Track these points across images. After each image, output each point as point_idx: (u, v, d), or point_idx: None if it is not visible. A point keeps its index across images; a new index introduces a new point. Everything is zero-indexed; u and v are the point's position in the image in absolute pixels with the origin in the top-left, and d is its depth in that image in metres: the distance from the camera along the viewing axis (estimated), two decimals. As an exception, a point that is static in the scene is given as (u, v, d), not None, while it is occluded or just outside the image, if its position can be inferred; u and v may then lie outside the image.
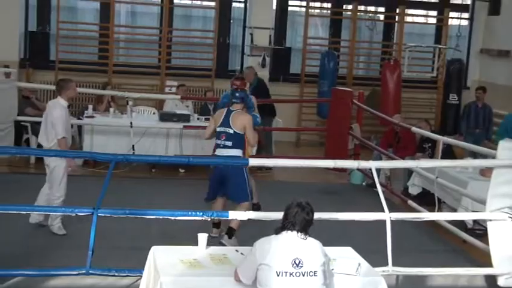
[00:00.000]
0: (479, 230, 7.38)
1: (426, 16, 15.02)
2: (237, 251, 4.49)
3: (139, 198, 8.00)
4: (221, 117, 6.77)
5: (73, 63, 12.56)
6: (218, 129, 6.76)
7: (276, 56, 13.24)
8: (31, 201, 6.70)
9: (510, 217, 5.48)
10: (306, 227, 3.87)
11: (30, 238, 6.65)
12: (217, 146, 6.80)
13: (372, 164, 5.62)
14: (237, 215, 5.18)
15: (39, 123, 9.91)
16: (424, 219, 6.57)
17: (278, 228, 3.90)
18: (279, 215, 4.61)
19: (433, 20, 14.77)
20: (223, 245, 6.20)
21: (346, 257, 4.38)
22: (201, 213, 5.10)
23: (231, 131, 6.67)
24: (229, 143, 6.68)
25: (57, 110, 6.78)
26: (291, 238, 3.80)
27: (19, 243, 6.46)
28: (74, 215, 4.85)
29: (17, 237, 6.61)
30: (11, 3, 12.00)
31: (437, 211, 7.61)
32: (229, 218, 5.16)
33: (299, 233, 3.81)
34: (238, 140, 6.67)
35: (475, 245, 6.73)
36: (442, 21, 13.95)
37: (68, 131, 6.93)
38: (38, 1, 12.79)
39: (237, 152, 6.66)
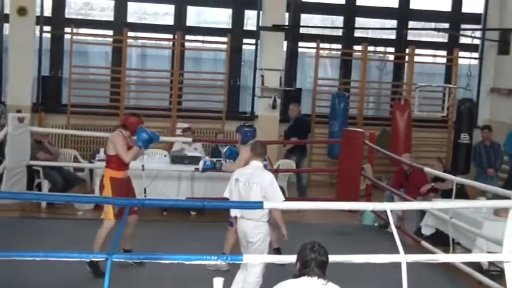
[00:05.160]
0: (494, 271, 7.30)
1: (435, 56, 15.11)
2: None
3: (151, 241, 7.97)
4: None
5: (85, 106, 12.70)
6: None
7: (287, 97, 13.31)
8: (45, 248, 6.68)
9: (527, 258, 5.41)
10: (324, 269, 3.84)
11: (44, 284, 6.62)
12: None
13: (387, 206, 5.57)
14: (251, 259, 5.15)
15: (51, 167, 10.12)
16: (440, 261, 6.48)
17: (295, 275, 3.86)
18: (292, 258, 4.58)
19: (443, 60, 14.85)
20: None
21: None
22: (216, 258, 5.05)
23: None
24: None
25: (267, 174, 6.11)
26: (311, 284, 3.75)
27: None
28: (88, 260, 4.83)
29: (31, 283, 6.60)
30: (24, 48, 12.14)
31: (452, 252, 7.53)
32: (244, 262, 5.13)
33: (319, 279, 3.76)
34: None
35: (491, 286, 6.64)
36: (451, 61, 14.01)
37: None
38: (50, 46, 12.99)
39: None
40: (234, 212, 6.14)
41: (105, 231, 6.92)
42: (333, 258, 4.87)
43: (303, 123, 11.88)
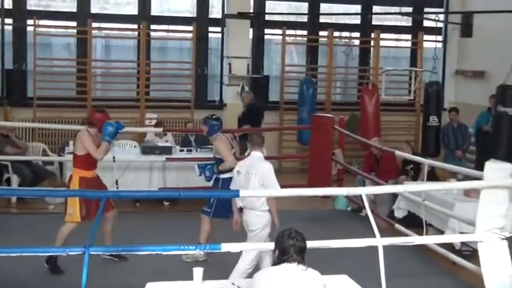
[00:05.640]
0: (466, 251, 7.43)
1: (401, 40, 15.24)
2: (233, 284, 4.46)
3: (125, 233, 7.91)
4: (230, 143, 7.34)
5: (51, 99, 12.53)
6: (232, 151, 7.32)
7: (255, 85, 13.30)
8: (18, 243, 6.60)
9: (500, 238, 5.51)
10: (303, 255, 3.88)
11: (21, 280, 6.54)
12: None
13: (362, 191, 5.63)
14: (230, 247, 5.15)
15: (19, 162, 9.96)
16: (415, 243, 6.56)
17: (275, 262, 3.89)
18: (271, 246, 4.60)
19: (408, 44, 14.99)
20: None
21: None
22: (194, 247, 5.04)
23: None
24: None
25: (265, 163, 6.21)
26: (291, 270, 3.79)
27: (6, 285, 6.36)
28: (65, 254, 4.79)
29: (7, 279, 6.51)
30: (-14, 41, 11.95)
31: (425, 234, 7.63)
32: (222, 250, 5.13)
33: (299, 265, 3.80)
34: None
35: (464, 266, 6.76)
36: (416, 44, 14.16)
37: None
38: (13, 38, 12.76)
39: None
40: (238, 203, 6.20)
41: (68, 229, 6.80)
42: (310, 244, 4.90)
43: (256, 110, 11.87)
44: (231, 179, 7.26)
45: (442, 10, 14.45)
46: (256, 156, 6.22)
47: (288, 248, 3.83)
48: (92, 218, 6.61)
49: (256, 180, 6.01)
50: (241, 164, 6.30)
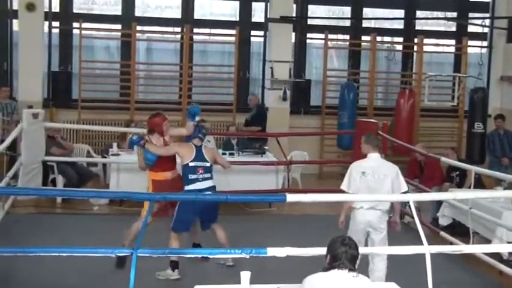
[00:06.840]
0: (515, 261, 7.30)
1: (444, 45, 15.05)
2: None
3: (163, 235, 7.92)
4: (191, 153, 6.91)
5: (95, 101, 12.70)
6: (191, 164, 6.88)
7: (297, 89, 13.29)
8: (66, 243, 6.67)
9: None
10: (355, 262, 3.85)
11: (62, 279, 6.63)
12: (195, 180, 6.88)
13: (410, 197, 5.58)
14: (276, 252, 5.13)
15: (65, 163, 10.10)
16: (462, 252, 6.47)
17: (326, 268, 3.87)
18: (317, 251, 4.59)
19: (451, 49, 14.79)
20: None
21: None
22: (240, 251, 5.04)
23: (208, 164, 6.98)
24: (209, 175, 6.97)
25: (394, 166, 6.39)
26: (342, 276, 3.76)
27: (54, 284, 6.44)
28: (114, 255, 4.83)
29: (51, 278, 6.60)
30: (33, 43, 12.16)
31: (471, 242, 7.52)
32: (268, 254, 5.12)
33: (350, 272, 3.78)
34: (212, 171, 7.05)
35: (512, 276, 6.65)
36: (460, 49, 13.97)
37: None
38: (60, 41, 12.98)
39: (214, 182, 7.05)
40: (359, 203, 6.26)
41: (138, 226, 6.66)
42: (360, 250, 4.87)
43: (264, 112, 12.16)
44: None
45: (487, 15, 14.24)
46: (377, 158, 6.36)
47: (340, 254, 3.81)
48: (162, 216, 6.88)
49: (389, 182, 6.19)
50: (363, 165, 6.36)
